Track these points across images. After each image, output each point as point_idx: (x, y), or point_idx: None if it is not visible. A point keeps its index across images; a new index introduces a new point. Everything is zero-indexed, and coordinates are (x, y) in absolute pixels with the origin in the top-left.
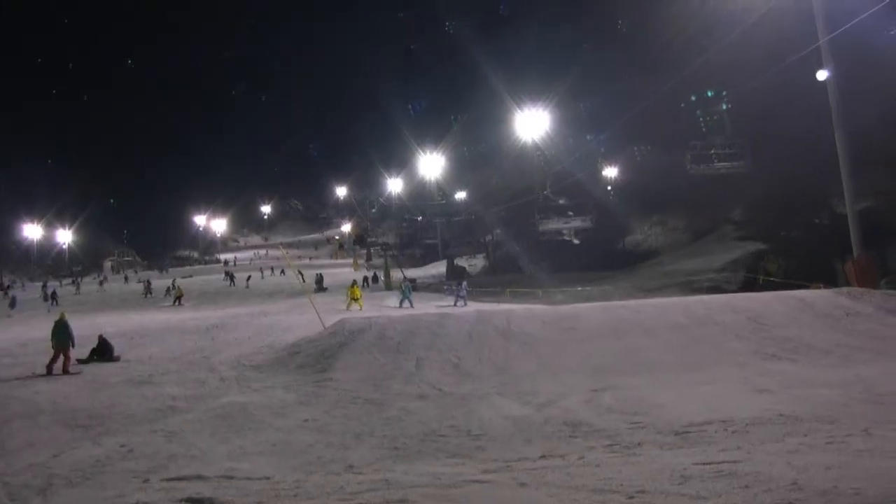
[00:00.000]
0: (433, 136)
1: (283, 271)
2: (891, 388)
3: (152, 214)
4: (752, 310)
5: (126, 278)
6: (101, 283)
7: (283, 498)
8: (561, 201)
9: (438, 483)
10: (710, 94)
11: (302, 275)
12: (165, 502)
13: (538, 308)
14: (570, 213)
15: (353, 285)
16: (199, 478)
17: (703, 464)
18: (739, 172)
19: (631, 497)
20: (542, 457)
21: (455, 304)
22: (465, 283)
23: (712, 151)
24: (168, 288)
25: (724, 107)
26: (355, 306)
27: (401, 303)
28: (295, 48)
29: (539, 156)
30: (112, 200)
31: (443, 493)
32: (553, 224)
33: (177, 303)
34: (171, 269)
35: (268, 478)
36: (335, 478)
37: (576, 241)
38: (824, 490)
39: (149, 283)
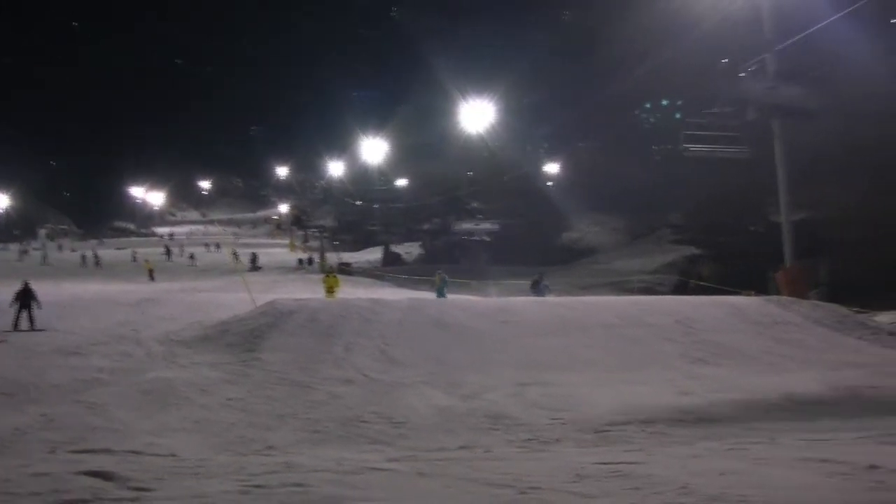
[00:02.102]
0: (377, 121)
1: (218, 246)
2: (811, 397)
3: (90, 183)
4: (684, 313)
5: (60, 247)
6: (24, 253)
7: (183, 476)
8: (474, 204)
9: (339, 469)
10: (664, 103)
11: (235, 254)
12: (64, 474)
13: (472, 299)
14: (480, 216)
15: (328, 274)
16: (107, 451)
17: (603, 463)
18: (738, 157)
19: (523, 492)
20: (461, 447)
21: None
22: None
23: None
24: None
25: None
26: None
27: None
28: (241, 27)
29: (482, 149)
30: (52, 162)
31: (341, 478)
32: (466, 225)
33: (150, 276)
34: (106, 241)
35: (174, 455)
36: (240, 458)
37: (487, 239)
38: (712, 496)
39: (96, 255)
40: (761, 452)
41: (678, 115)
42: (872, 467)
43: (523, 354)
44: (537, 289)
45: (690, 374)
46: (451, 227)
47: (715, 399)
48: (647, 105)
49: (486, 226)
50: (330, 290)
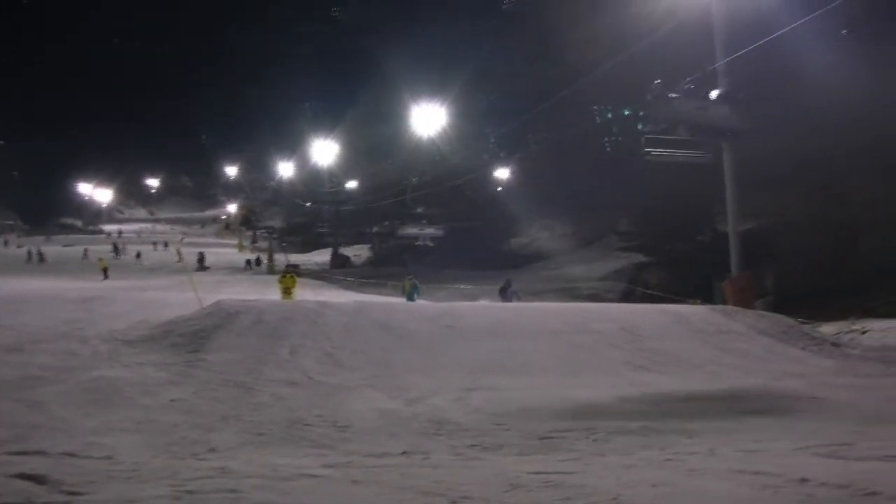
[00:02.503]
0: (328, 122)
1: (165, 245)
2: (754, 407)
3: (37, 179)
4: (629, 320)
5: (6, 242)
6: None
7: (117, 479)
8: (419, 209)
9: (274, 475)
10: (626, 112)
11: (180, 253)
12: None
13: (419, 303)
14: (424, 221)
15: (285, 274)
16: (41, 453)
17: (538, 472)
18: (701, 162)
19: (454, 501)
20: (403, 453)
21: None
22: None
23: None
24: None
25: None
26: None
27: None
28: (192, 25)
29: (433, 152)
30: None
31: (274, 484)
32: (410, 230)
33: (104, 274)
34: (53, 238)
35: (110, 457)
36: (176, 462)
37: (430, 244)
38: None
39: (40, 252)
40: (698, 463)
41: (638, 124)
42: (804, 480)
43: (469, 359)
44: (505, 294)
45: (634, 381)
46: (398, 231)
47: (657, 408)
48: (600, 111)
49: (430, 231)
50: (287, 292)
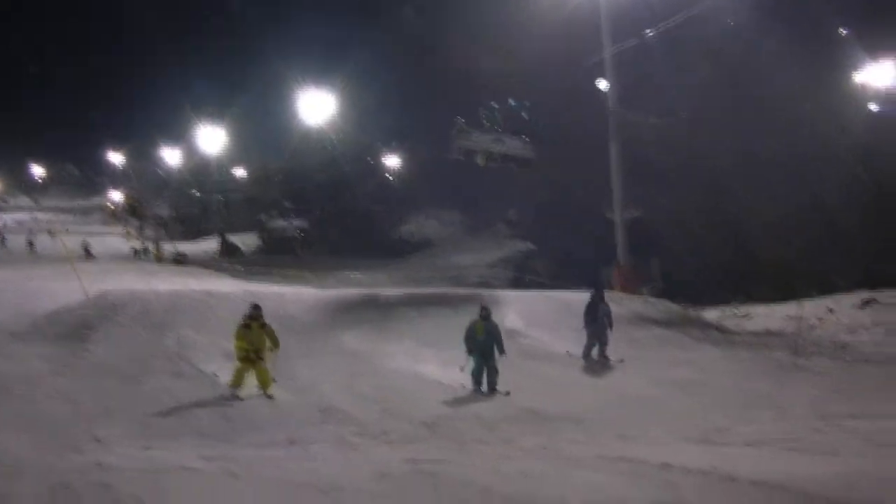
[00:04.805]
0: (217, 110)
1: (51, 233)
2: (641, 393)
3: None
4: (515, 307)
5: None
6: None
7: None
8: (308, 198)
9: (150, 468)
10: (512, 103)
11: (64, 243)
12: None
13: (307, 292)
14: (314, 210)
15: (248, 326)
16: None
17: (413, 461)
18: (523, 156)
19: (324, 492)
20: (291, 442)
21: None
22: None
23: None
24: None
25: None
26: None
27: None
28: (77, 10)
29: (323, 141)
30: None
31: (148, 478)
32: (279, 223)
33: None
34: None
35: None
36: (55, 457)
37: (300, 236)
38: (508, 495)
39: None
40: (572, 452)
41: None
42: (666, 466)
43: (353, 346)
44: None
45: (520, 369)
46: (286, 219)
47: (542, 397)
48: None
49: (298, 222)
50: (248, 360)
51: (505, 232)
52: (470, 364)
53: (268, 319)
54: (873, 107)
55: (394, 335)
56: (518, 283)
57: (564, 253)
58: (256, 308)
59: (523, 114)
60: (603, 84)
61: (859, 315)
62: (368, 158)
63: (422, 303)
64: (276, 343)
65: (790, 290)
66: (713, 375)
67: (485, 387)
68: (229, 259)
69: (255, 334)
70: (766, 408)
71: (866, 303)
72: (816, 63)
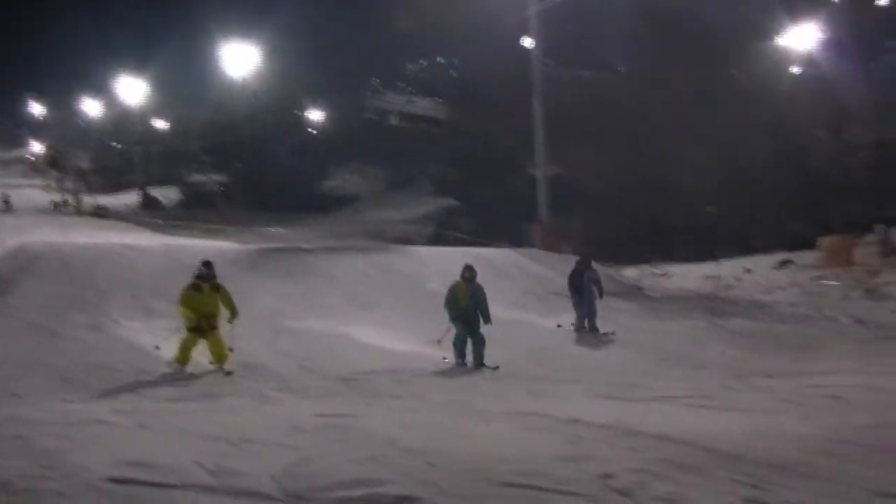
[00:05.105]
0: (138, 61)
1: None
2: (557, 348)
3: None
4: (437, 263)
5: None
6: None
7: None
8: (208, 157)
9: (64, 421)
10: (441, 61)
11: None
12: None
13: (227, 246)
14: (214, 168)
15: (198, 288)
16: None
17: (326, 415)
18: (435, 117)
19: (235, 444)
20: (208, 396)
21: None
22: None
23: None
24: None
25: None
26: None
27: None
28: None
29: (247, 94)
30: None
31: (62, 430)
32: (201, 177)
33: None
34: None
35: None
36: None
37: (221, 190)
38: (411, 448)
39: None
40: (483, 405)
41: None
42: (573, 420)
43: (273, 303)
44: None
45: (440, 323)
46: (207, 173)
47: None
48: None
49: (219, 176)
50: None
51: (428, 188)
52: (452, 333)
53: (184, 275)
54: (796, 70)
55: (317, 292)
56: (439, 239)
57: (487, 209)
58: (207, 265)
59: (452, 72)
60: (528, 41)
61: (776, 276)
62: (294, 112)
63: (343, 255)
64: (233, 310)
65: (710, 250)
66: (629, 333)
67: (469, 360)
68: (150, 213)
69: (206, 298)
70: (680, 366)
71: (783, 263)
72: (744, 26)
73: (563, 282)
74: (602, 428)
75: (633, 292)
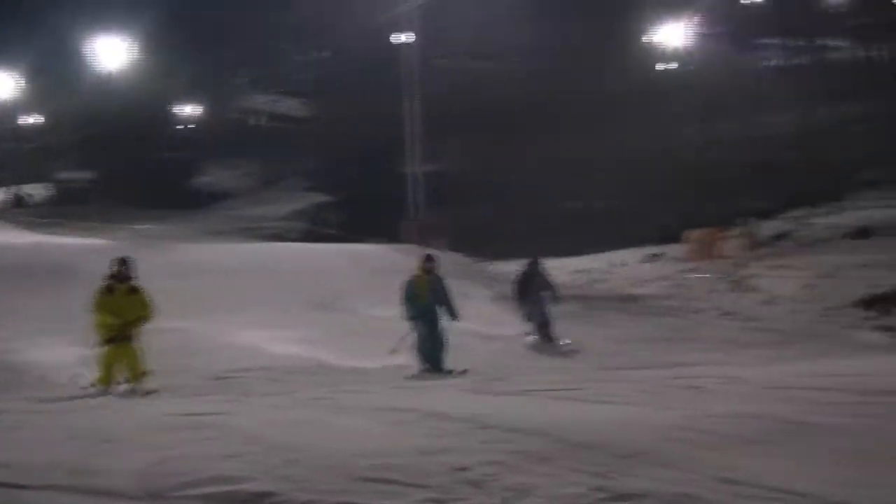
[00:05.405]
0: (7, 53)
1: None
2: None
3: None
4: (309, 260)
5: None
6: None
7: None
8: (80, 153)
9: None
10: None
11: None
12: None
13: (99, 243)
14: (86, 165)
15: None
16: None
17: (192, 414)
18: (299, 116)
19: (98, 444)
20: (71, 398)
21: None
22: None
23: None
24: None
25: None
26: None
27: None
28: None
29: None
30: None
31: None
32: (72, 173)
33: None
34: None
35: None
36: None
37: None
38: (274, 444)
39: None
40: (349, 401)
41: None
42: (435, 415)
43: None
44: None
45: (312, 320)
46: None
47: (335, 345)
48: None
49: (91, 172)
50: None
51: (302, 184)
52: (411, 337)
53: (53, 272)
54: (668, 66)
55: (192, 291)
56: (312, 235)
57: (362, 205)
58: (123, 264)
59: (326, 68)
60: (402, 36)
61: (646, 269)
62: (168, 106)
63: (218, 252)
64: (147, 314)
65: (582, 245)
66: (496, 326)
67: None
68: (20, 210)
69: (121, 302)
70: (547, 359)
71: (652, 257)
72: (617, 22)
73: None
74: (463, 421)
75: (501, 287)
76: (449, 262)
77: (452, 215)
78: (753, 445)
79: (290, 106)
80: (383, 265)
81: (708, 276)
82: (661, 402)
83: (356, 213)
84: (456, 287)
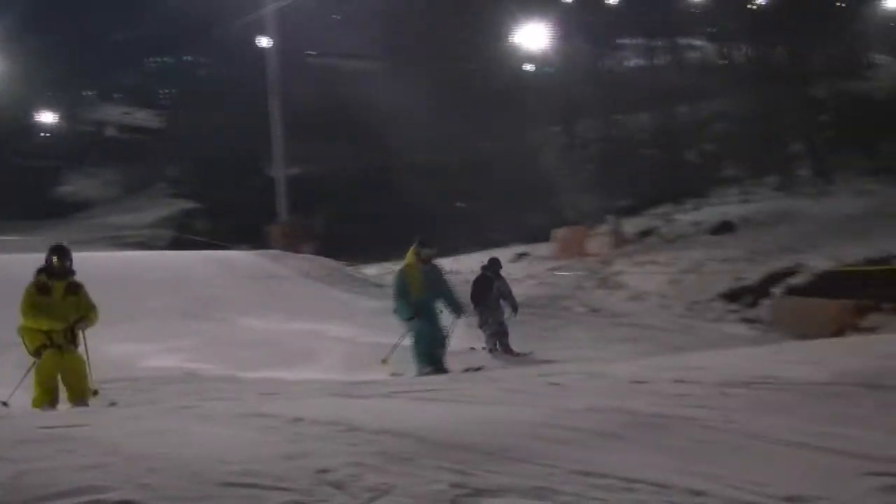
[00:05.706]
0: None
1: None
2: (295, 347)
3: None
4: (176, 268)
5: None
6: None
7: None
8: None
9: None
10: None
11: None
12: None
13: None
14: None
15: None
16: None
17: (51, 427)
18: (152, 127)
19: None
20: None
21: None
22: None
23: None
24: None
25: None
26: None
27: None
28: None
29: None
30: None
31: None
32: None
33: None
34: None
35: None
36: None
37: None
38: (135, 454)
39: None
40: (213, 409)
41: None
42: (299, 419)
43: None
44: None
45: (181, 329)
46: None
47: (206, 353)
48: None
49: None
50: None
51: (167, 190)
52: (407, 338)
53: None
54: (529, 67)
55: None
56: (179, 243)
57: (227, 211)
58: (60, 253)
59: (189, 72)
60: (264, 40)
61: (513, 268)
62: (27, 113)
63: (85, 263)
64: (90, 317)
65: (450, 246)
66: (364, 329)
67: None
68: None
69: (58, 304)
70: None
71: (519, 256)
72: (478, 23)
73: (306, 283)
74: (325, 425)
75: (373, 290)
76: (319, 267)
77: (320, 219)
78: (610, 439)
79: (144, 117)
80: (252, 271)
81: (574, 273)
82: (522, 400)
83: (223, 220)
84: (327, 292)
